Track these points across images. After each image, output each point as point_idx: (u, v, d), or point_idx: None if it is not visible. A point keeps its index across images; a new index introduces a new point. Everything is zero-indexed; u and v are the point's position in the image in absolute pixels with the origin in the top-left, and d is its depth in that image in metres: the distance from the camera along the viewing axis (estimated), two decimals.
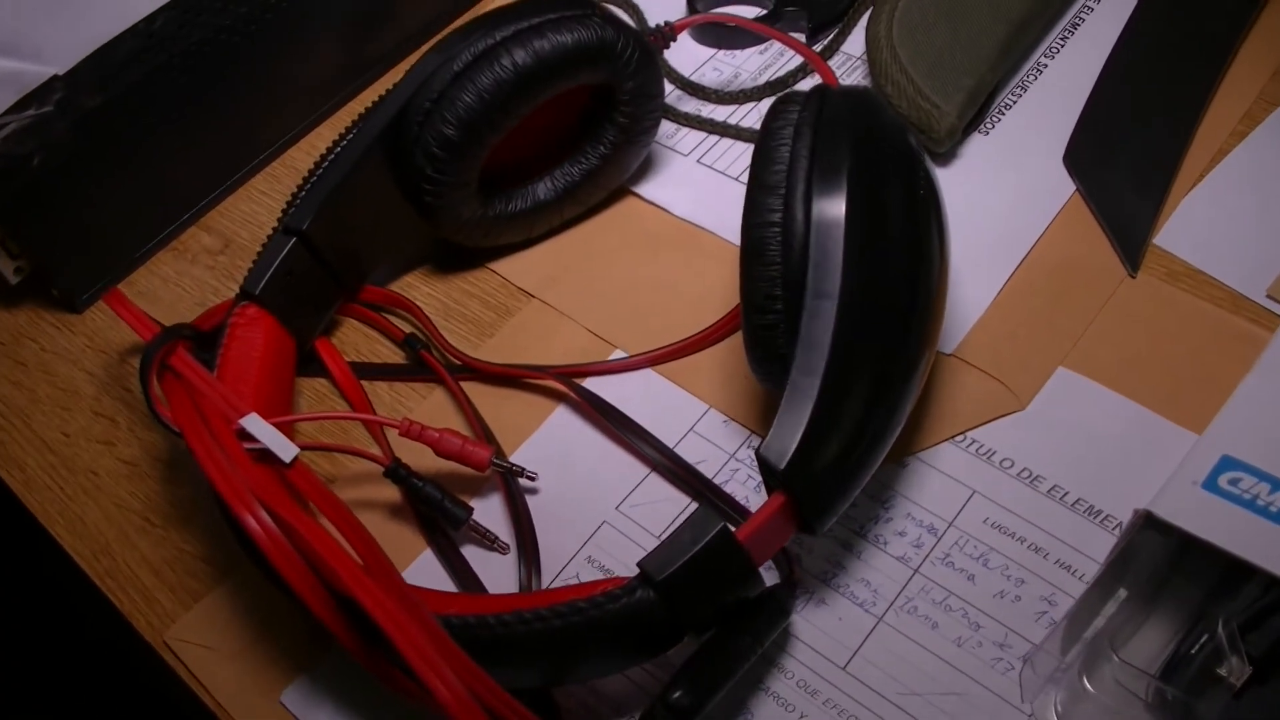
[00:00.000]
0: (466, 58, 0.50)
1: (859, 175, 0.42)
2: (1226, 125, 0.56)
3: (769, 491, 0.40)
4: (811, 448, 0.38)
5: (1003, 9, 0.58)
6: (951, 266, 0.45)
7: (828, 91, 0.46)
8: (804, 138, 0.43)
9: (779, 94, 0.51)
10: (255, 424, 0.44)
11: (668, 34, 0.55)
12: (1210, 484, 0.40)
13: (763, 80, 0.61)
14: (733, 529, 0.37)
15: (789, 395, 0.39)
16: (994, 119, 0.58)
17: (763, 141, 0.44)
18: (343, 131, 0.52)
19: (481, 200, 0.53)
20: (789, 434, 0.38)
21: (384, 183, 0.52)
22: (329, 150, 0.51)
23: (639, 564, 0.37)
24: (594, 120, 0.54)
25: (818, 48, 0.62)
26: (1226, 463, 0.41)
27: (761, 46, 0.63)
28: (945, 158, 0.56)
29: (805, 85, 0.60)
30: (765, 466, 0.38)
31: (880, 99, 0.47)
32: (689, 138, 0.59)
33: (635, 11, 0.65)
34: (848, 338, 0.39)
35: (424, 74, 0.51)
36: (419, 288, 0.57)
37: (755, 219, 0.43)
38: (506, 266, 0.56)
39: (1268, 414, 0.43)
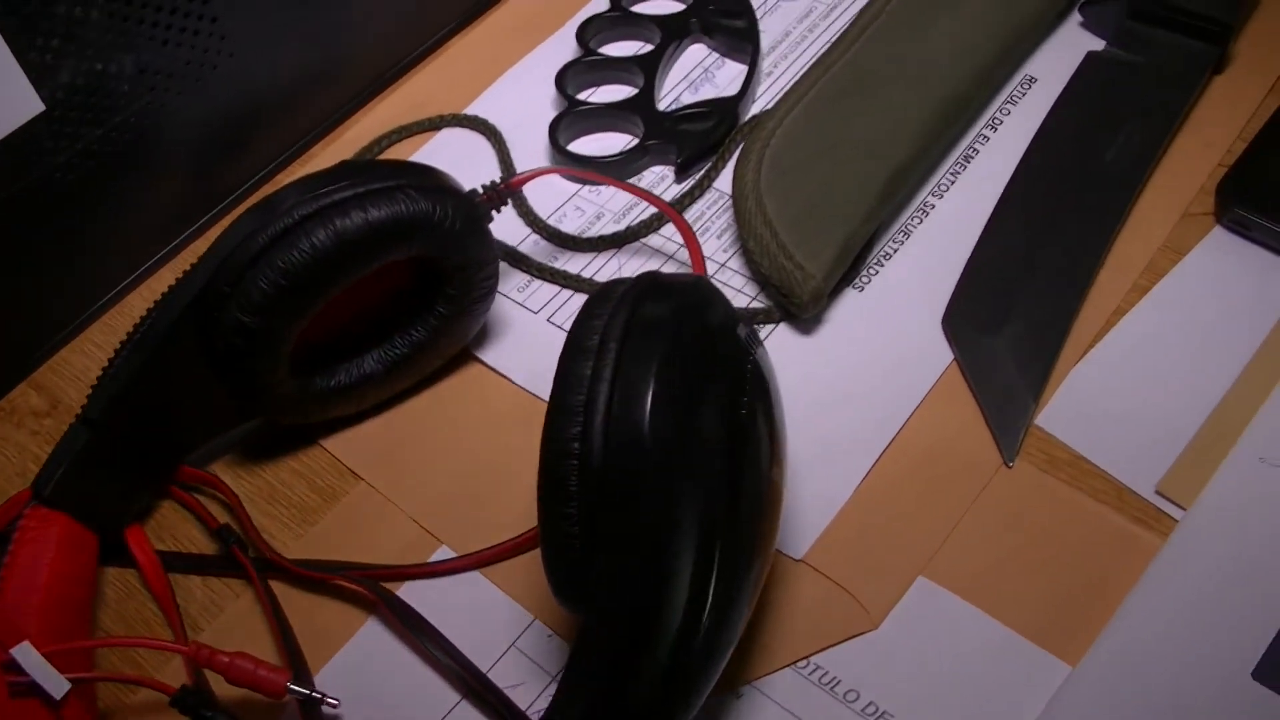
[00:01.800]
0: (263, 240, 0.45)
1: (668, 397, 0.37)
2: (1125, 280, 0.51)
3: None
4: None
5: (883, 149, 0.53)
6: (808, 459, 0.43)
7: (648, 286, 0.40)
8: (609, 353, 0.38)
9: (600, 285, 0.46)
10: (26, 655, 0.40)
11: (502, 193, 0.50)
12: None
13: (624, 224, 0.56)
14: None
15: (578, 651, 0.35)
16: (871, 271, 0.52)
17: (566, 353, 0.39)
18: (150, 307, 0.47)
19: (300, 379, 0.49)
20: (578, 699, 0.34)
21: (192, 362, 0.48)
22: (135, 327, 0.47)
23: None
24: (422, 290, 0.50)
25: (688, 184, 0.57)
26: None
27: (630, 180, 0.58)
28: (812, 320, 0.51)
29: (670, 230, 0.55)
30: None
31: (710, 291, 0.42)
32: (541, 292, 0.54)
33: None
34: (652, 578, 0.35)
35: (223, 253, 0.46)
36: (244, 466, 0.52)
37: (553, 446, 0.38)
38: (338, 442, 0.52)
39: (1149, 650, 0.38)
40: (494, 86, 0.62)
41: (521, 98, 0.61)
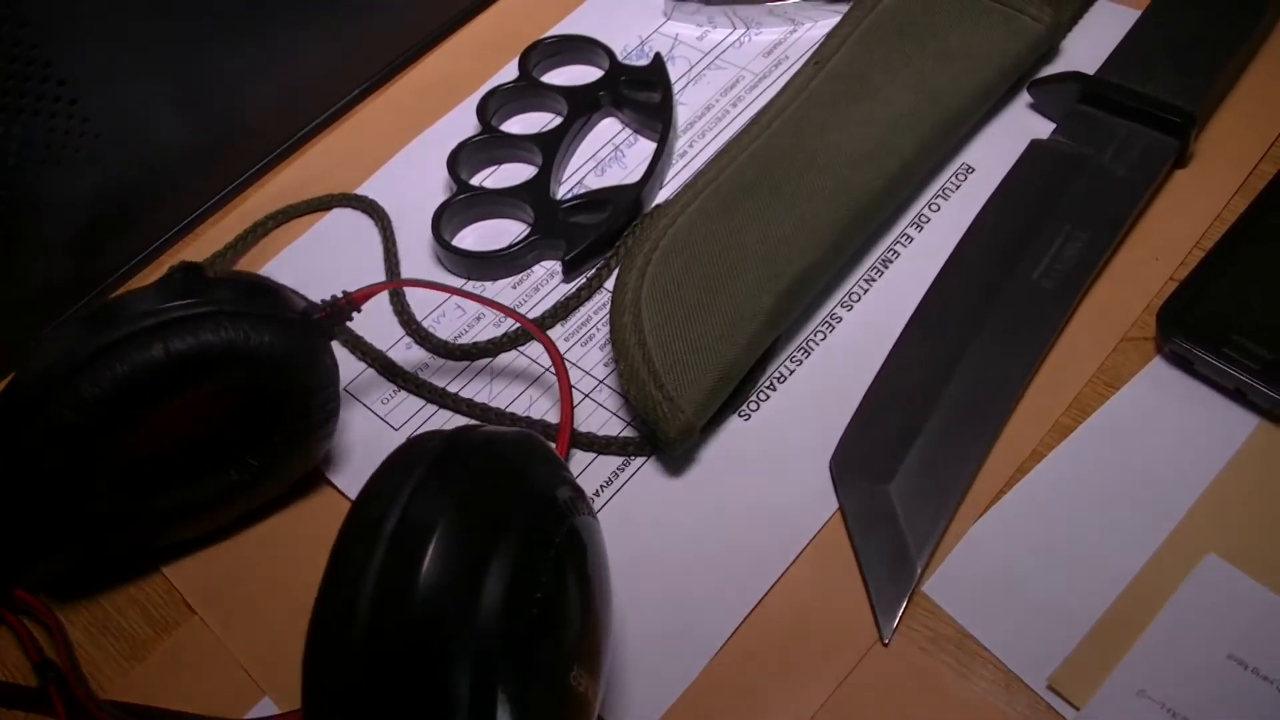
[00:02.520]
0: (63, 371, 0.41)
1: (440, 587, 0.32)
2: (1047, 418, 0.45)
3: None
4: None
5: (784, 256, 0.47)
6: (657, 623, 0.40)
7: (449, 451, 0.36)
8: (382, 537, 0.33)
9: (412, 441, 0.41)
10: None
11: (344, 307, 0.45)
12: None
13: (503, 329, 0.51)
14: None
15: None
16: (761, 395, 0.47)
17: (342, 532, 0.34)
18: None
19: (132, 499, 0.45)
20: None
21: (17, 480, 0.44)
22: None
23: None
24: (260, 413, 0.45)
25: (577, 283, 0.51)
26: None
27: (516, 279, 0.53)
28: (683, 455, 0.46)
29: (556, 331, 0.50)
30: None
31: (532, 447, 0.37)
32: (406, 405, 0.50)
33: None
34: None
35: (30, 377, 0.42)
36: (82, 590, 0.48)
37: (314, 640, 0.33)
38: (178, 569, 0.48)
39: None
40: (390, 163, 0.58)
41: (416, 177, 0.57)
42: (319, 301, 0.45)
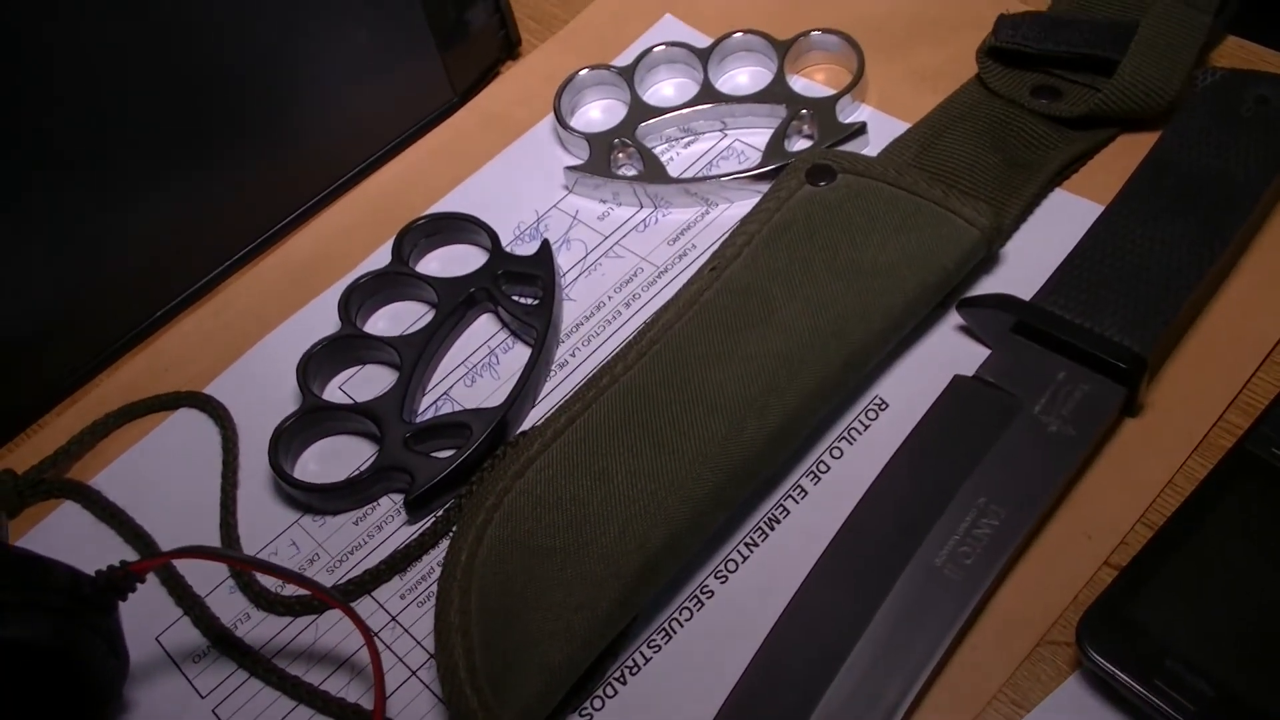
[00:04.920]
0: None
1: None
2: None
3: None
4: None
5: (644, 522, 0.40)
6: None
7: None
8: None
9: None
10: None
11: (121, 581, 0.39)
12: None
13: (333, 581, 0.44)
14: None
15: None
16: (608, 690, 0.40)
17: None
18: None
19: None
20: None
21: None
22: None
23: None
24: (31, 698, 0.39)
25: (419, 530, 0.45)
26: None
27: (360, 513, 0.46)
28: None
29: (392, 586, 0.43)
30: None
31: None
32: (217, 667, 0.43)
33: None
34: None
35: None
36: None
37: None
38: None
39: None
40: (244, 358, 0.52)
41: (269, 376, 0.50)
42: (93, 574, 0.39)
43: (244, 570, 0.45)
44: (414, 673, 0.42)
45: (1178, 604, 0.37)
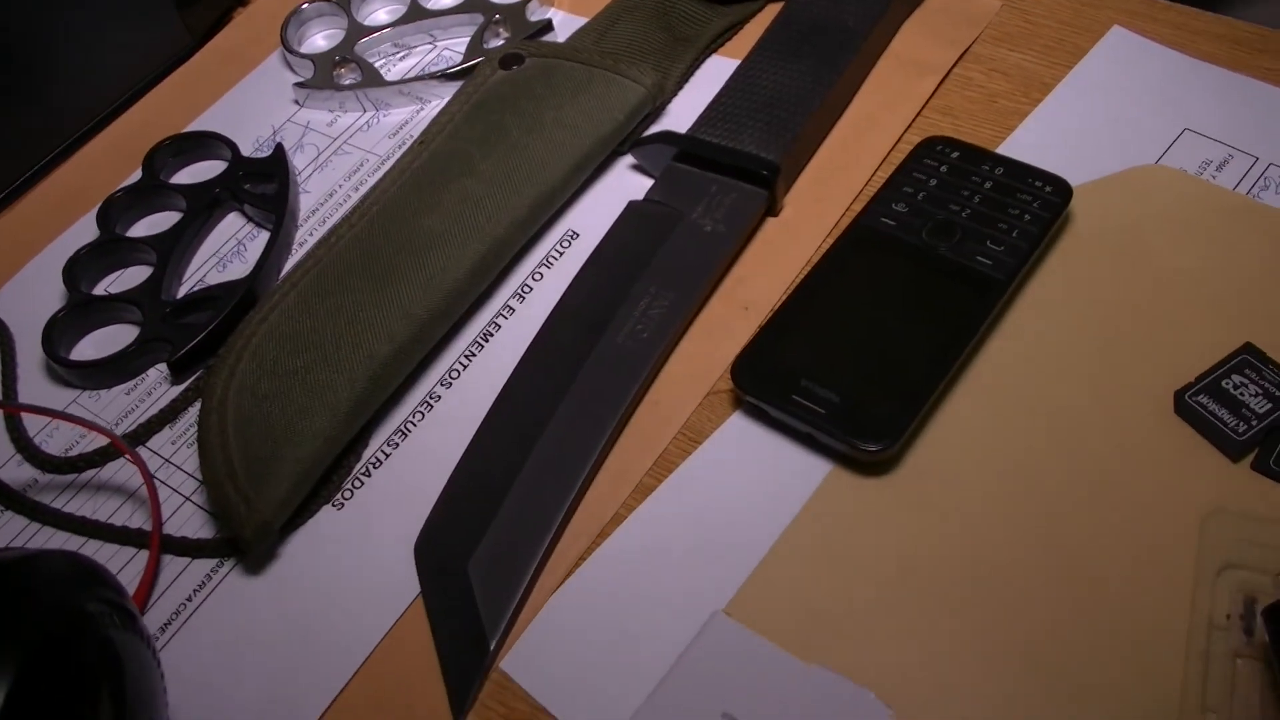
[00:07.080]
0: None
1: None
2: (629, 481, 0.45)
3: None
4: None
5: (362, 353, 0.47)
6: None
7: None
8: None
9: None
10: None
11: None
12: None
13: (82, 450, 0.50)
14: None
15: None
16: (356, 483, 0.46)
17: None
18: None
19: None
20: None
21: None
22: None
23: None
24: None
25: (183, 388, 0.51)
26: None
27: (130, 385, 0.52)
28: (267, 554, 0.45)
29: (164, 435, 0.49)
30: None
31: (50, 564, 0.36)
32: (11, 524, 0.48)
33: None
34: None
35: None
36: None
37: None
38: None
39: None
40: (13, 280, 0.57)
41: (38, 292, 0.55)
42: None
43: (13, 415, 0.49)
44: (187, 498, 0.48)
45: (807, 342, 0.45)
